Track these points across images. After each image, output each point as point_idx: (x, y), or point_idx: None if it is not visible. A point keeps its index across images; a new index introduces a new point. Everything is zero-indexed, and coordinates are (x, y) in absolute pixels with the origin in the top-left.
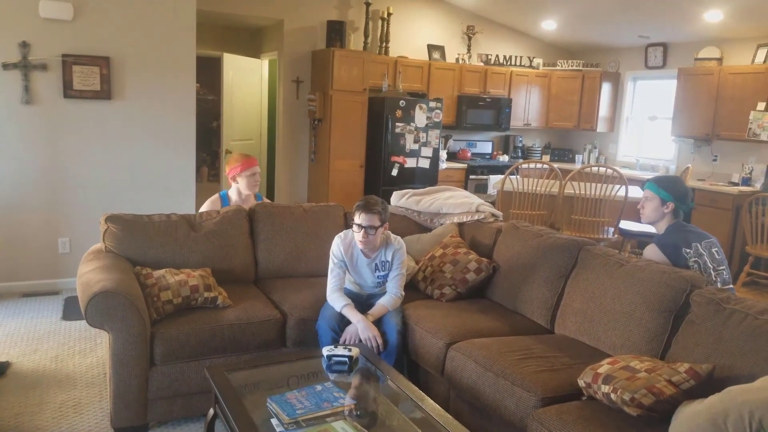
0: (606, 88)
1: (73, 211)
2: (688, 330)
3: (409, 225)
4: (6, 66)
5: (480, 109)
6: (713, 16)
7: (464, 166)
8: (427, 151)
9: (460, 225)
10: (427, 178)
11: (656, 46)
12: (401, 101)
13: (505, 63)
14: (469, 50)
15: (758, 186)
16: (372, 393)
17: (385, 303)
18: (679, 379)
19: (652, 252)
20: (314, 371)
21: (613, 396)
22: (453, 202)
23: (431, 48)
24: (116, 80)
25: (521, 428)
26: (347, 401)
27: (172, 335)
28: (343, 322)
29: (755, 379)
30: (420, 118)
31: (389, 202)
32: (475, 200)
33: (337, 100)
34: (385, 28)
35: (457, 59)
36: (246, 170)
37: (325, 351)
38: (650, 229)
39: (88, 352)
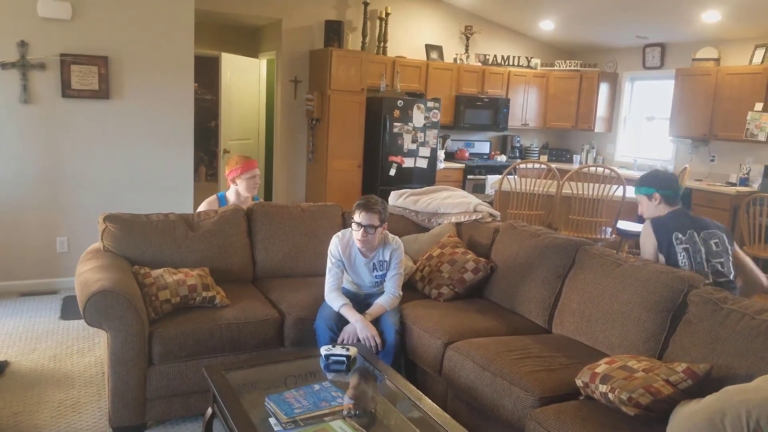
0: (604, 89)
1: (71, 210)
2: (686, 330)
3: (407, 225)
4: (4, 65)
5: (478, 109)
6: (711, 17)
7: (462, 166)
8: (424, 151)
9: (458, 225)
10: (425, 177)
11: (654, 46)
12: (399, 101)
13: (502, 63)
14: (467, 50)
15: (756, 186)
16: (370, 392)
17: (383, 303)
18: (676, 379)
19: (645, 229)
20: (312, 371)
21: (610, 395)
22: (451, 202)
23: (429, 48)
24: (114, 80)
25: (519, 428)
26: (345, 401)
27: (170, 334)
28: (341, 321)
29: (752, 378)
30: (418, 118)
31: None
32: (472, 200)
33: (335, 100)
34: (383, 28)
35: (455, 59)
36: (246, 173)
37: (323, 350)
38: None
39: (86, 351)
